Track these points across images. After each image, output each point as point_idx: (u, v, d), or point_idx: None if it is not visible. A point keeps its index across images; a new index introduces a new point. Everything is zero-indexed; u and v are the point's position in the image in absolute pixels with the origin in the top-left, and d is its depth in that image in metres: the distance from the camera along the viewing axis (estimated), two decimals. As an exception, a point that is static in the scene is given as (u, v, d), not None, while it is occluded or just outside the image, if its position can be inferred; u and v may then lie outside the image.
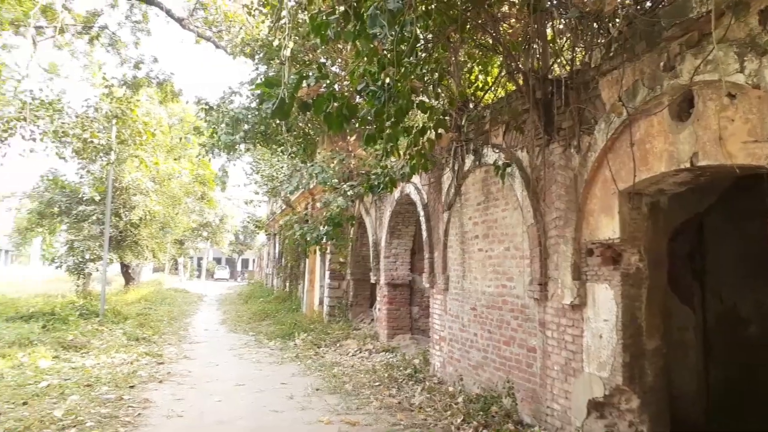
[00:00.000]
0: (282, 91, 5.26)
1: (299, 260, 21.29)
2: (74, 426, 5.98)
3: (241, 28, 14.29)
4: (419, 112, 8.68)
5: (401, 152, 7.45)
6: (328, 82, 5.48)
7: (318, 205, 13.89)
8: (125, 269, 29.32)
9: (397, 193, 11.55)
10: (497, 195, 7.34)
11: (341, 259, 15.82)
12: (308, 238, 12.55)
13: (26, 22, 13.05)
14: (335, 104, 5.18)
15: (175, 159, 30.24)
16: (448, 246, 8.85)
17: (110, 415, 6.47)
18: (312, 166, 12.33)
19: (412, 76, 5.61)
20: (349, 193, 12.29)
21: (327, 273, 16.51)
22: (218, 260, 78.00)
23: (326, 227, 12.37)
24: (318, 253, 18.25)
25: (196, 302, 28.21)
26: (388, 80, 5.25)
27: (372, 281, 13.43)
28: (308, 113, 14.56)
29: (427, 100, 6.43)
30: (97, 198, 21.31)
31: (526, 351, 6.56)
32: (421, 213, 10.06)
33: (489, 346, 7.39)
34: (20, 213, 24.78)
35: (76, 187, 22.70)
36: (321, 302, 17.55)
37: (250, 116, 12.29)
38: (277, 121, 12.59)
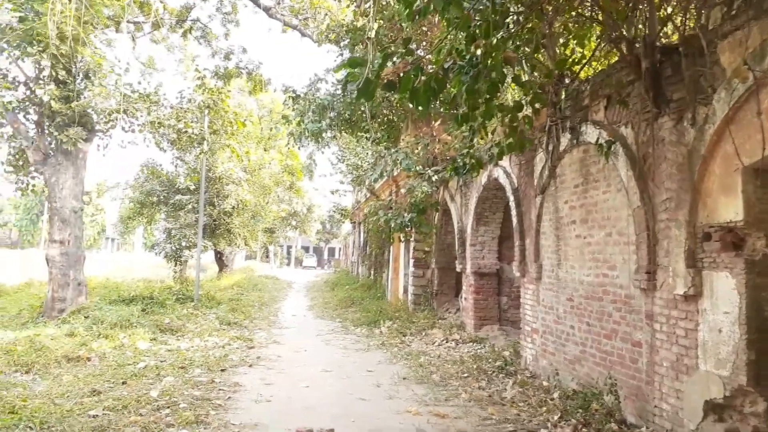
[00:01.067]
0: (367, 71, 5.07)
1: (384, 248, 21.29)
2: (168, 407, 6.14)
3: (326, 15, 14.31)
4: (511, 88, 8.23)
5: (489, 132, 7.07)
6: (413, 58, 5.22)
7: (402, 191, 13.71)
8: (219, 256, 30.64)
9: (483, 178, 11.13)
10: (597, 176, 6.80)
11: (426, 248, 15.58)
12: (392, 225, 12.38)
13: (122, 17, 13.72)
14: (422, 77, 4.93)
15: (265, 150, 31.22)
16: (541, 232, 8.38)
17: (202, 398, 6.62)
18: (395, 152, 12.14)
19: (506, 48, 5.23)
20: (433, 178, 12.00)
21: (411, 261, 16.34)
22: (306, 249, 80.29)
23: (410, 214, 12.16)
24: (402, 241, 18.15)
25: (286, 289, 29.02)
26: (479, 52, 4.92)
27: (458, 270, 13.09)
28: (393, 97, 14.35)
29: (522, 75, 6.01)
30: (192, 187, 22.35)
31: (630, 345, 6.03)
32: (511, 198, 9.61)
33: (588, 339, 6.90)
34: (124, 203, 26.37)
35: (173, 177, 23.90)
36: (405, 290, 17.43)
37: (335, 103, 12.29)
38: (362, 108, 12.53)
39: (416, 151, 12.56)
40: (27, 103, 11.21)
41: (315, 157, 13.24)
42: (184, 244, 22.52)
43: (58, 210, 11.37)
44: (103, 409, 5.89)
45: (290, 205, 45.25)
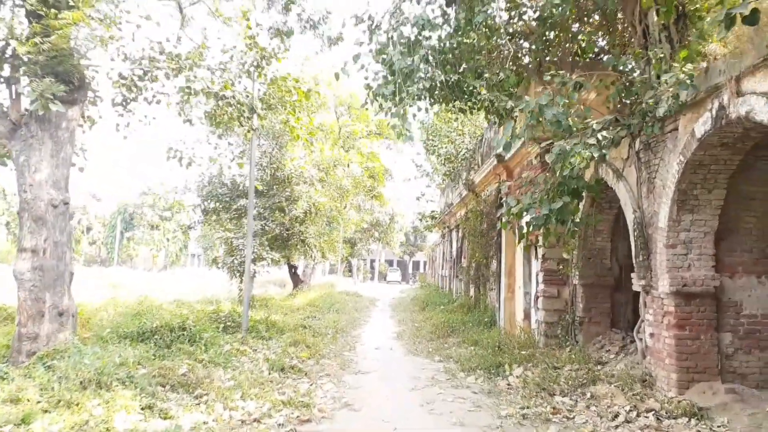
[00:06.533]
0: None
1: (489, 258, 16.58)
2: None
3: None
4: None
5: None
6: None
7: (516, 180, 9.01)
8: (293, 271, 27.06)
9: (702, 125, 6.33)
10: None
11: (564, 254, 10.78)
12: (531, 221, 7.71)
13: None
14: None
15: (345, 149, 27.48)
16: None
17: None
18: (527, 103, 7.48)
19: None
20: (600, 136, 7.24)
21: (539, 275, 11.59)
22: (390, 262, 76.71)
23: (562, 198, 7.45)
24: (519, 245, 13.42)
25: (368, 308, 24.84)
26: None
27: (636, 288, 8.21)
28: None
29: None
30: (261, 188, 18.73)
31: None
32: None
33: None
34: (186, 211, 23.33)
35: (238, 179, 20.42)
36: (527, 316, 12.66)
37: (432, 30, 7.96)
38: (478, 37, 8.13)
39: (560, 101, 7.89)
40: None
41: (406, 112, 8.39)
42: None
43: (29, 203, 7.68)
44: None
45: (372, 215, 41.61)
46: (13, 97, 8.19)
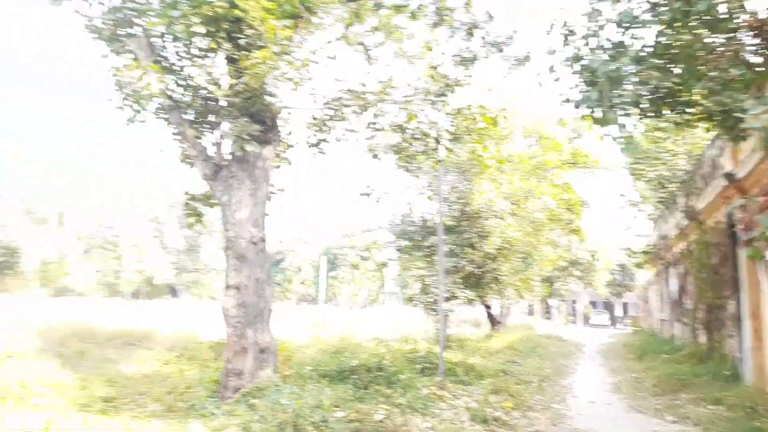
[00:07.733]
0: None
1: (724, 298, 13.85)
2: None
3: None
4: None
5: None
6: None
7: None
8: (489, 311, 25.99)
9: None
10: None
11: None
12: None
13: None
14: None
15: (536, 179, 26.07)
16: None
17: None
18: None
19: None
20: None
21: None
22: (594, 303, 70.74)
23: None
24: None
25: (574, 353, 22.67)
26: None
27: None
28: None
29: None
30: (451, 223, 18.35)
31: None
32: None
33: None
34: (380, 249, 23.81)
35: (429, 216, 20.29)
36: (787, 369, 10.10)
37: (645, 26, 6.77)
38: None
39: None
40: (196, 99, 8.26)
41: (615, 117, 7.05)
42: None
43: (232, 241, 8.04)
44: None
45: (569, 252, 38.71)
46: (217, 141, 8.77)
